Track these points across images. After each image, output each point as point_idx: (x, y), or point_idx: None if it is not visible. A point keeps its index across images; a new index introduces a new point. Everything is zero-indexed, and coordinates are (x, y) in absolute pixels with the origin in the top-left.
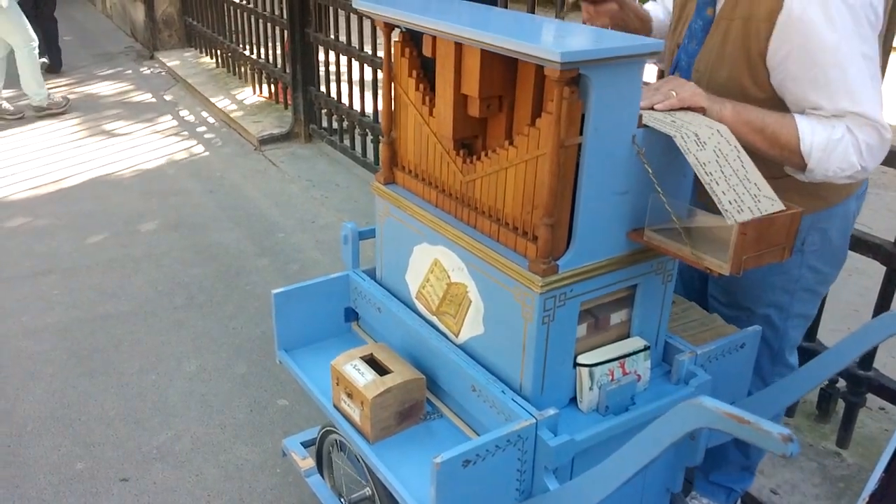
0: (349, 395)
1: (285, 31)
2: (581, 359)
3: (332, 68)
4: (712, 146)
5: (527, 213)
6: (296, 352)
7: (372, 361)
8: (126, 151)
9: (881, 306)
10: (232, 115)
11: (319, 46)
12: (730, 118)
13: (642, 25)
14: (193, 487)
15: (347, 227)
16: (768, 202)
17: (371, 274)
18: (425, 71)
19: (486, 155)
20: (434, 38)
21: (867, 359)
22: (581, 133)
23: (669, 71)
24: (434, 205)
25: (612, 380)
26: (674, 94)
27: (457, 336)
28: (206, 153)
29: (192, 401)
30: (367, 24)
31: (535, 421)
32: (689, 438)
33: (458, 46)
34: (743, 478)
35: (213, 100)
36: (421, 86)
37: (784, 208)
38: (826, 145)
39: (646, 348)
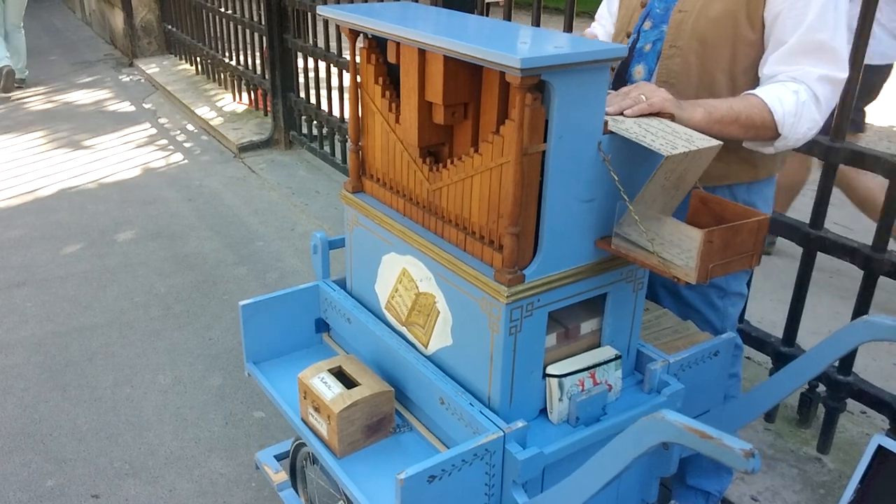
0: (316, 409)
1: (264, 38)
2: (550, 369)
3: (312, 75)
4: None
5: (492, 221)
6: (265, 364)
7: (340, 374)
8: (104, 160)
9: (859, 311)
10: (211, 123)
11: (298, 53)
12: (701, 121)
13: None
14: (164, 503)
15: (317, 237)
16: (703, 140)
17: (341, 284)
18: (392, 78)
19: (452, 163)
20: (398, 44)
21: (846, 364)
22: (545, 140)
23: (628, 42)
24: (402, 213)
25: (583, 390)
26: (643, 98)
27: (426, 347)
28: (185, 161)
29: (166, 414)
30: None
31: (502, 434)
32: (662, 448)
33: (422, 53)
34: (720, 478)
35: (192, 107)
36: (387, 93)
37: (719, 144)
38: (795, 110)
39: (617, 357)
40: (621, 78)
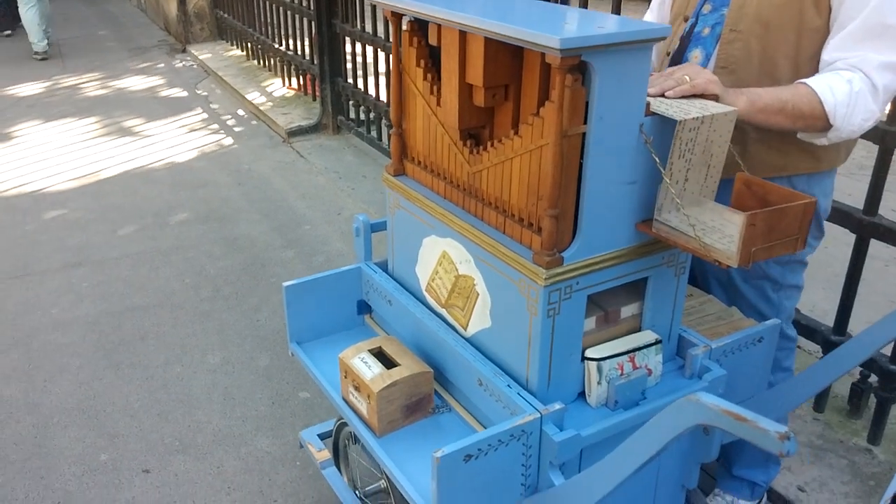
0: (356, 388)
1: (313, 23)
2: (589, 352)
3: (360, 59)
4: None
5: (532, 204)
6: (308, 344)
7: (380, 354)
8: (157, 145)
9: None
10: (261, 108)
11: (346, 37)
12: (745, 109)
13: None
14: (214, 480)
15: (359, 220)
16: (717, 107)
17: (383, 266)
18: (434, 60)
19: (493, 145)
20: (439, 26)
21: None
22: (585, 122)
23: (686, 26)
24: (442, 196)
25: (622, 374)
26: (687, 79)
27: (465, 329)
28: (235, 146)
29: (214, 393)
30: None
31: (539, 415)
32: (703, 433)
33: (463, 35)
34: (767, 469)
35: (242, 92)
36: (429, 75)
37: (734, 110)
38: (848, 100)
39: (657, 342)
40: (677, 63)
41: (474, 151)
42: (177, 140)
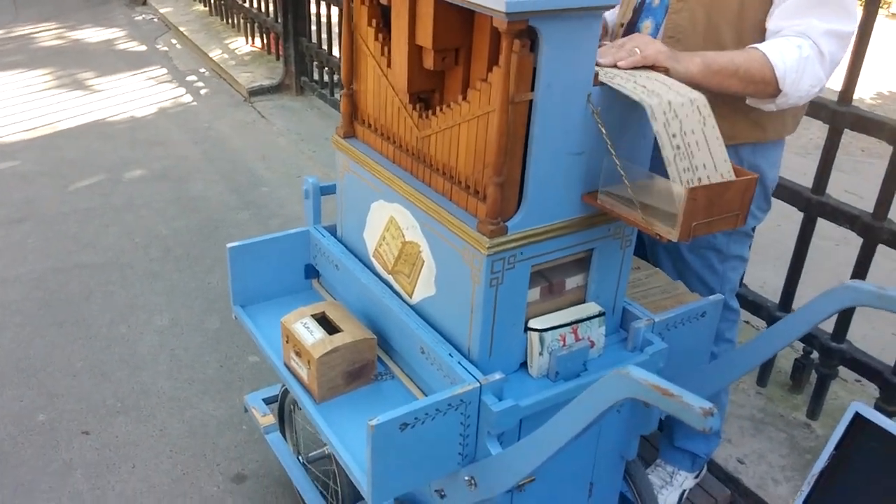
0: (297, 354)
1: None
2: (532, 323)
3: (325, 20)
4: (683, 116)
5: (478, 171)
6: (253, 307)
7: (323, 320)
8: (114, 99)
9: (858, 277)
10: (223, 66)
11: None
12: (698, 73)
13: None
14: (156, 442)
15: (308, 182)
16: (690, 92)
17: (332, 231)
18: (385, 20)
19: (441, 110)
20: None
21: (840, 331)
22: (533, 89)
23: None
24: (391, 160)
25: (564, 345)
26: (637, 51)
27: (411, 297)
28: (195, 103)
29: (161, 355)
30: None
31: (478, 385)
32: (643, 405)
33: None
34: (707, 441)
35: (204, 49)
36: (380, 36)
37: (701, 96)
38: (797, 66)
39: (600, 314)
40: (630, 34)
41: (423, 116)
42: (135, 95)
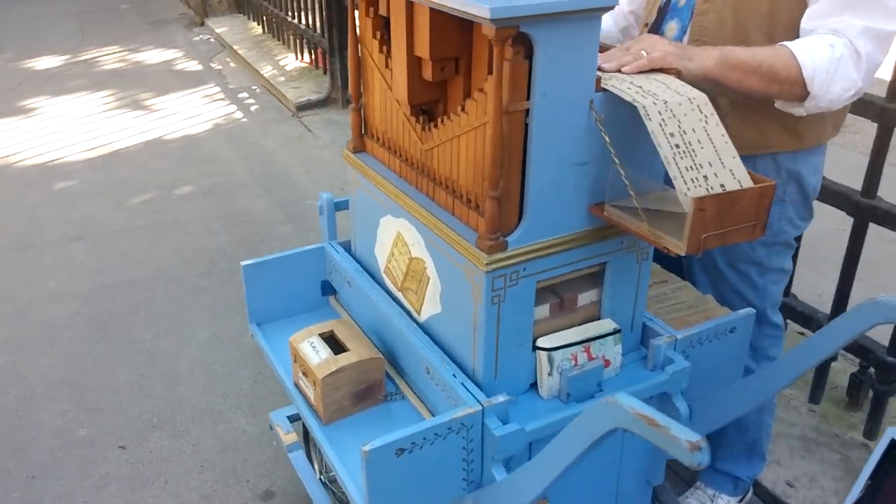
0: (304, 374)
1: None
2: (541, 342)
3: None
4: (681, 115)
5: (478, 185)
6: (269, 325)
7: (331, 339)
8: (168, 118)
9: None
10: (273, 82)
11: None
12: (715, 70)
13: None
14: (188, 458)
15: (323, 198)
16: (734, 182)
17: (348, 247)
18: (389, 32)
19: (443, 122)
20: None
21: None
22: (529, 98)
23: None
24: (398, 175)
25: (576, 365)
26: (644, 53)
27: (419, 314)
28: (245, 120)
29: (198, 369)
30: None
31: (481, 408)
32: None
33: (410, 4)
34: (751, 464)
35: (256, 66)
36: (384, 48)
37: (749, 185)
38: (828, 66)
39: (616, 331)
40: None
41: (426, 128)
42: (188, 114)
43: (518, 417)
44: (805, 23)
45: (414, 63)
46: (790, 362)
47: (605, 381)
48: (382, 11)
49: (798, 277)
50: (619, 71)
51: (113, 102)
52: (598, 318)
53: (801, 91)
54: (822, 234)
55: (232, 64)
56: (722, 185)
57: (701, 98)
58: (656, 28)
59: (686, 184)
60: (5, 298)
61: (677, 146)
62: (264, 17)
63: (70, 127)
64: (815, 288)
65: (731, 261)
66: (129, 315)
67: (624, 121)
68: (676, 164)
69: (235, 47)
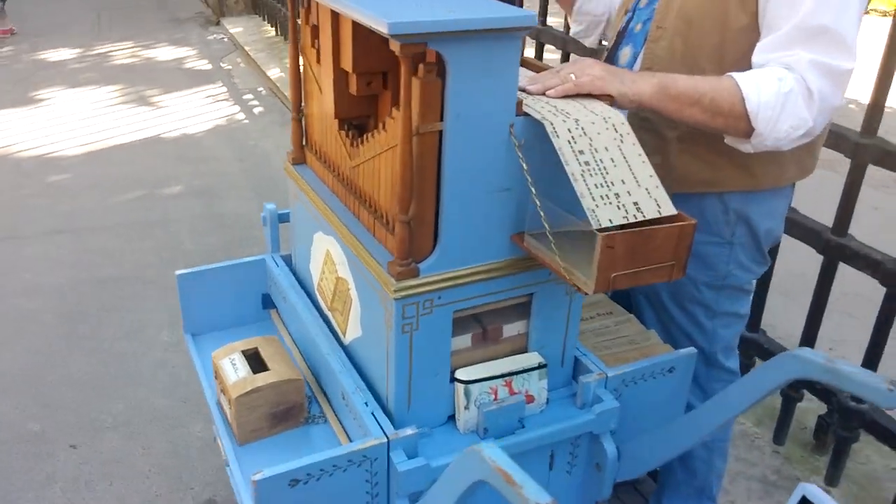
0: (222, 391)
1: None
2: (459, 373)
3: None
4: (593, 133)
5: (395, 206)
6: (205, 336)
7: (255, 356)
8: (171, 116)
9: (878, 334)
10: (279, 84)
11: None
12: (652, 98)
13: None
14: (137, 460)
15: (267, 209)
16: (650, 202)
17: (290, 260)
18: None
19: (367, 139)
20: (317, 3)
21: None
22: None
23: (631, 6)
24: (331, 190)
25: (496, 399)
26: (572, 77)
27: (344, 336)
28: (246, 121)
29: (161, 372)
30: None
31: (385, 440)
32: (595, 469)
33: (335, 15)
34: (700, 501)
35: (264, 68)
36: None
37: (674, 213)
38: (775, 102)
39: (541, 366)
40: (609, 62)
41: (354, 144)
42: (191, 112)
43: (429, 452)
44: (756, 56)
45: (341, 76)
46: (706, 414)
47: (528, 417)
48: (313, 20)
49: (773, 310)
50: (544, 94)
51: (119, 97)
52: (525, 351)
53: (745, 126)
54: (803, 265)
55: (242, 65)
56: (636, 204)
57: (617, 117)
58: (613, 51)
59: (594, 201)
60: None
61: (587, 163)
62: (277, 19)
63: (74, 120)
64: (791, 324)
65: (676, 299)
66: (98, 312)
67: (548, 146)
68: (584, 181)
69: (247, 48)
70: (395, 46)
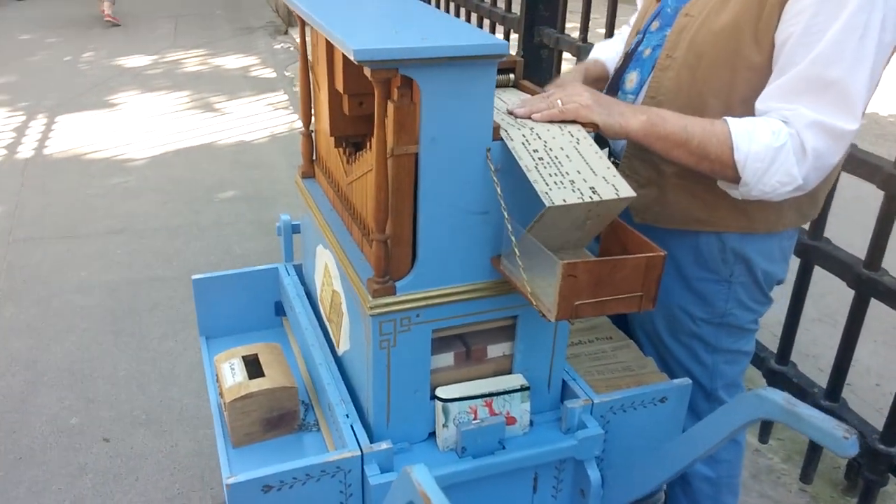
0: (220, 394)
1: None
2: (439, 391)
3: None
4: (549, 137)
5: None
6: (219, 340)
7: (254, 362)
8: (232, 122)
9: None
10: None
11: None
12: (638, 133)
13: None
14: (164, 458)
15: (282, 219)
16: (608, 188)
17: (300, 270)
18: None
19: (358, 157)
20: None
21: (890, 433)
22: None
23: (649, 18)
24: (331, 205)
25: (475, 419)
26: (559, 102)
27: (338, 347)
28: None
29: (196, 372)
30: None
31: (359, 453)
32: (580, 495)
33: None
34: None
35: None
36: None
37: (632, 195)
38: (765, 155)
39: (523, 388)
40: (615, 86)
41: (350, 161)
42: (251, 120)
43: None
44: (759, 103)
45: (336, 96)
46: (673, 452)
47: (509, 438)
48: (311, 41)
49: (820, 341)
50: (530, 118)
51: (186, 103)
52: (511, 373)
53: (732, 174)
54: (841, 292)
55: None
56: (592, 188)
57: (574, 127)
58: (620, 74)
59: (548, 185)
60: (41, 284)
61: (541, 158)
62: None
63: (140, 124)
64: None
65: (672, 330)
66: (145, 311)
67: (521, 170)
68: (538, 171)
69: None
70: (367, 71)
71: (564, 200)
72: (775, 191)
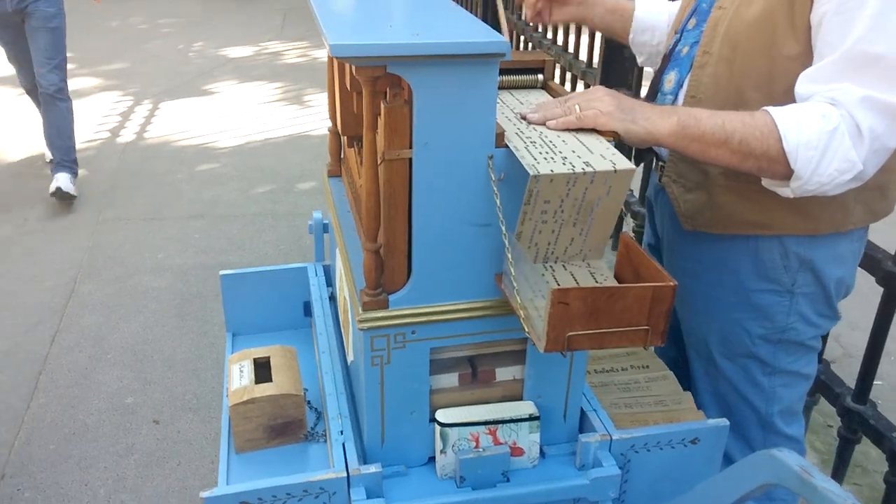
0: (229, 396)
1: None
2: (439, 414)
3: None
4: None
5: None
6: (245, 336)
7: (264, 365)
8: (320, 114)
9: None
10: None
11: None
12: (669, 136)
13: (616, 20)
14: (207, 444)
15: (314, 218)
16: (605, 163)
17: (329, 270)
18: None
19: None
20: None
21: None
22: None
23: (686, 16)
24: (349, 206)
25: (476, 447)
26: (577, 108)
27: (348, 357)
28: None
29: None
30: None
31: (345, 475)
32: None
33: None
34: None
35: None
36: None
37: (632, 168)
38: (818, 142)
39: (532, 418)
40: (654, 87)
41: (362, 163)
42: None
43: (396, 493)
44: (800, 87)
45: (347, 94)
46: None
47: (516, 471)
48: None
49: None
50: (545, 124)
51: (280, 94)
52: (521, 398)
53: (782, 169)
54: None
55: None
56: (586, 163)
57: (592, 137)
58: (658, 76)
59: (535, 159)
60: (119, 264)
61: (533, 143)
62: None
63: (236, 113)
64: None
65: (726, 351)
66: (211, 297)
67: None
68: (529, 152)
69: None
70: (354, 69)
71: (552, 171)
72: (833, 181)
